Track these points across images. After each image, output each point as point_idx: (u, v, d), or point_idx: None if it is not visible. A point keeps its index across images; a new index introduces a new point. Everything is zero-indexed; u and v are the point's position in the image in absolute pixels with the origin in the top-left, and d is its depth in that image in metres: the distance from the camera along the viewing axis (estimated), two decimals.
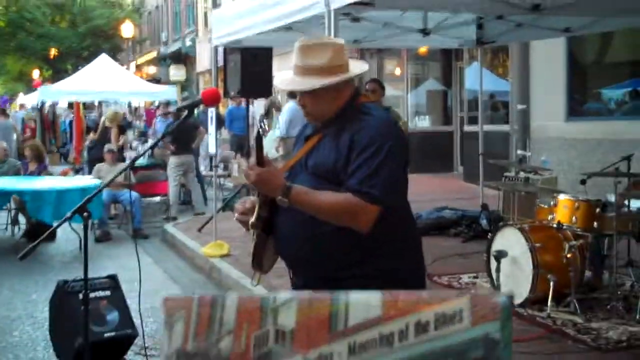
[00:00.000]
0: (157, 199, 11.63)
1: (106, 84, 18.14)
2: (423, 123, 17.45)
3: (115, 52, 34.60)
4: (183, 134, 11.01)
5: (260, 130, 2.92)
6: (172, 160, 11.61)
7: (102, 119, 14.82)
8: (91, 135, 15.56)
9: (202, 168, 14.15)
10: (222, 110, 16.74)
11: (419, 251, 2.97)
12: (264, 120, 3.00)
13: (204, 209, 11.61)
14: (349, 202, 2.68)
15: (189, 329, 0.35)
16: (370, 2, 5.52)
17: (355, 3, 5.48)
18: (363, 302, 0.35)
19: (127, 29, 30.35)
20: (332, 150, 2.77)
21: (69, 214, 3.29)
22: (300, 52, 2.86)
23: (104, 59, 20.37)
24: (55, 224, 8.07)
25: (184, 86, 33.37)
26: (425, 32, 8.00)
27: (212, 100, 3.46)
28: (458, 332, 0.34)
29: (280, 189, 2.70)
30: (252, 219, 2.83)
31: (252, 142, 2.94)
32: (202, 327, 0.36)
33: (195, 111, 13.09)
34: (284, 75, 3.03)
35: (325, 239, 2.75)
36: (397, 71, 18.13)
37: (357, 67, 2.95)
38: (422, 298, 0.35)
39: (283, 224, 2.84)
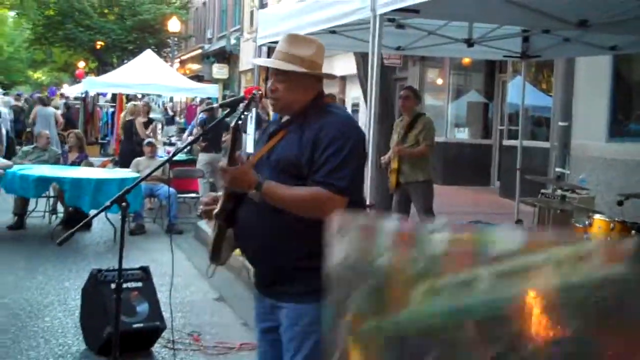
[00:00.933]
0: (193, 195, 11.72)
1: (149, 78, 18.36)
2: (462, 135, 17.33)
3: (160, 47, 35.03)
4: (213, 132, 11.05)
5: (239, 123, 3.00)
6: (201, 158, 11.73)
7: (123, 113, 14.92)
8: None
9: None
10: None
11: None
12: (244, 114, 3.07)
13: None
14: (317, 194, 2.79)
15: (352, 244, 0.38)
16: (415, 9, 5.51)
17: (400, 9, 5.48)
18: (507, 236, 0.38)
19: (174, 25, 30.67)
20: (295, 146, 2.88)
21: (108, 203, 3.34)
22: (286, 41, 3.02)
23: (148, 54, 20.63)
24: (92, 213, 8.19)
25: (226, 84, 33.62)
26: (469, 42, 7.96)
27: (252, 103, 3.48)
28: (590, 270, 0.37)
29: (253, 184, 2.82)
30: (217, 210, 2.92)
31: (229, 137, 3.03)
32: (365, 244, 0.39)
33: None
34: (264, 59, 3.23)
35: (287, 231, 2.85)
36: (439, 81, 18.04)
37: (329, 73, 3.12)
38: (560, 237, 0.37)
39: (246, 216, 2.94)
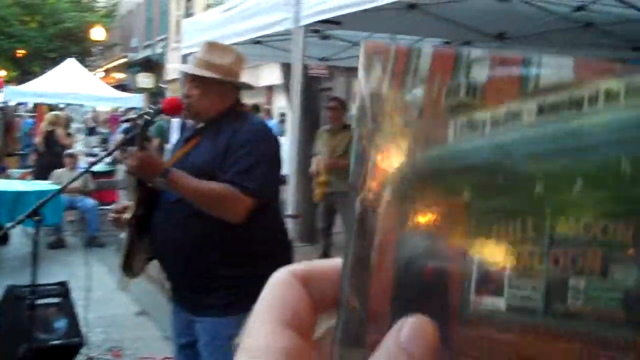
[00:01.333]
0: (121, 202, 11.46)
1: (72, 87, 17.96)
2: None
3: (84, 55, 34.31)
4: (131, 143, 10.86)
5: (147, 117, 2.96)
6: (123, 167, 11.53)
7: (43, 123, 14.50)
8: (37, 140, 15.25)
9: None
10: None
11: (290, 253, 3.07)
12: (152, 109, 3.04)
13: None
14: (225, 190, 2.77)
15: (386, 73, 0.34)
16: (337, 21, 5.55)
17: (323, 21, 5.50)
18: (555, 65, 0.35)
19: (98, 33, 30.10)
20: (208, 152, 2.87)
21: (21, 217, 3.24)
22: (205, 48, 3.02)
23: (71, 62, 20.18)
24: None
25: (151, 94, 33.17)
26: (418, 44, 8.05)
27: (173, 109, 3.42)
28: None
29: (159, 169, 2.76)
30: (127, 216, 2.86)
31: (137, 128, 2.96)
32: (398, 73, 0.35)
33: (161, 121, 13.02)
34: (180, 65, 3.19)
35: (205, 238, 2.81)
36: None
37: (247, 82, 3.11)
38: (615, 67, 0.35)
39: (161, 222, 2.87)
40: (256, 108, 13.32)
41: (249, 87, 3.14)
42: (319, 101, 10.64)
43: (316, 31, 6.97)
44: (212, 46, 3.04)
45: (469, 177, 0.40)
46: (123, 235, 2.87)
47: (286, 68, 9.39)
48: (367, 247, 0.41)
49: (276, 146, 3.00)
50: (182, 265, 2.87)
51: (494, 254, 0.40)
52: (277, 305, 0.42)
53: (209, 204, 2.77)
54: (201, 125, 2.99)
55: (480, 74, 0.41)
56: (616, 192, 0.38)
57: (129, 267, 2.96)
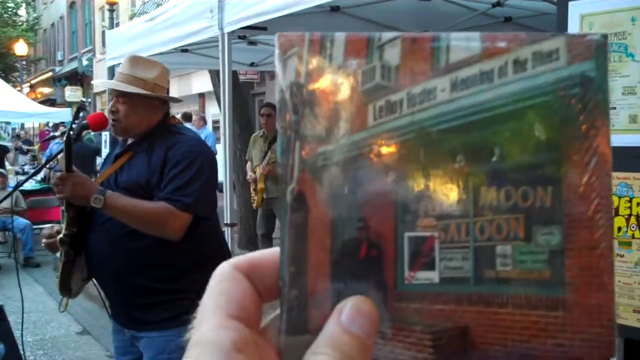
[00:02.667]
0: (51, 225, 11.19)
1: None
2: None
3: (7, 71, 33.42)
4: (79, 158, 10.67)
5: (71, 134, 2.93)
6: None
7: None
8: None
9: None
10: None
11: None
12: (74, 126, 3.00)
13: None
14: (162, 208, 2.75)
15: (302, 63, 0.35)
16: (263, 27, 5.57)
17: (248, 27, 5.51)
18: (463, 40, 0.36)
19: (21, 48, 29.35)
20: (144, 167, 2.83)
21: None
22: (129, 62, 2.96)
23: None
24: None
25: (77, 108, 32.48)
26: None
27: (98, 125, 3.39)
28: (555, 70, 0.36)
29: (93, 191, 2.73)
30: (61, 235, 2.82)
31: (62, 148, 2.90)
32: (313, 61, 0.36)
33: (90, 134, 12.76)
34: (104, 81, 3.14)
35: (142, 253, 2.79)
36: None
37: (174, 97, 3.09)
38: (520, 37, 0.36)
39: (96, 239, 2.84)
40: (188, 116, 13.20)
41: (176, 100, 3.13)
42: (251, 106, 10.61)
43: (242, 37, 6.97)
44: (136, 60, 3.01)
45: (392, 158, 0.43)
46: (59, 254, 2.82)
47: (216, 75, 9.35)
48: (301, 234, 0.43)
49: (211, 159, 2.99)
50: (119, 283, 2.84)
51: (422, 229, 0.42)
52: (222, 298, 0.43)
53: (146, 223, 2.74)
54: (132, 141, 2.96)
55: (393, 56, 0.43)
56: (533, 158, 0.42)
57: (67, 288, 2.90)
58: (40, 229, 11.05)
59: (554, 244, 0.41)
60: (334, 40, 0.44)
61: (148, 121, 2.91)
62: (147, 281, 2.80)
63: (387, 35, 0.44)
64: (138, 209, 2.74)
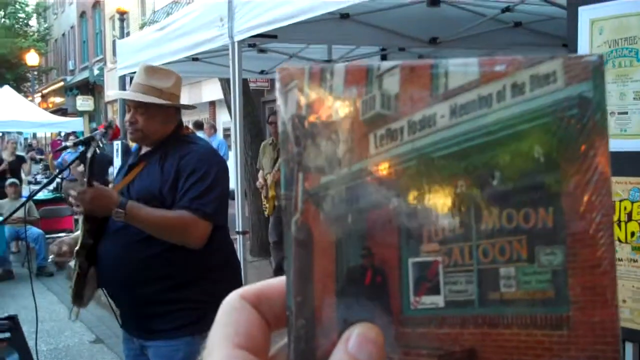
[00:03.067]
0: (63, 234, 11.26)
1: (8, 114, 17.60)
2: None
3: (19, 82, 33.66)
4: (96, 168, 10.70)
5: (97, 149, 2.95)
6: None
7: None
8: None
9: None
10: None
11: (239, 272, 3.11)
12: (102, 138, 3.03)
13: None
14: (182, 217, 2.78)
15: (303, 95, 0.36)
16: (273, 35, 5.59)
17: (258, 35, 5.53)
18: (461, 66, 0.37)
19: (32, 58, 29.56)
20: (157, 176, 2.86)
21: None
22: (145, 72, 2.99)
23: (6, 90, 19.79)
24: None
25: (92, 116, 32.68)
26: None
27: (112, 135, 3.41)
28: (552, 92, 0.37)
29: (115, 203, 2.74)
30: (77, 247, 2.84)
31: (87, 162, 2.92)
32: (314, 93, 0.37)
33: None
34: (120, 92, 3.20)
35: (152, 262, 2.81)
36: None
37: (190, 105, 3.12)
38: (518, 60, 0.37)
39: (109, 249, 2.86)
40: (199, 125, 13.25)
41: (190, 108, 3.15)
42: (262, 114, 10.64)
43: (253, 45, 6.99)
44: (151, 70, 3.03)
45: (394, 185, 0.44)
46: (72, 264, 2.85)
47: (226, 83, 9.39)
48: (306, 265, 0.43)
49: (224, 168, 3.02)
50: (129, 292, 2.86)
51: (426, 254, 0.43)
52: (230, 329, 0.44)
53: (168, 231, 2.77)
54: (146, 150, 2.99)
55: (392, 84, 0.44)
56: (533, 179, 0.42)
57: (80, 298, 2.93)
58: (53, 238, 11.13)
59: (557, 264, 0.42)
60: (333, 71, 0.45)
61: (163, 130, 2.94)
62: (156, 290, 2.82)
63: (386, 64, 0.45)
64: (160, 218, 2.76)
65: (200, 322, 2.81)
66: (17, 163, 13.16)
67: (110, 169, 11.26)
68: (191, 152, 2.88)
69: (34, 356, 4.58)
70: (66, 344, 6.63)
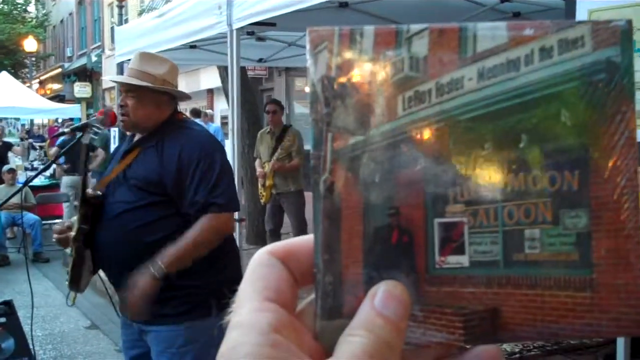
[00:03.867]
0: (59, 220, 11.25)
1: (6, 100, 17.56)
2: None
3: (17, 68, 33.55)
4: (76, 154, 10.68)
5: (93, 136, 2.98)
6: (65, 181, 11.36)
7: None
8: None
9: None
10: None
11: (239, 259, 3.14)
12: (99, 125, 3.04)
13: None
14: (212, 222, 2.79)
15: (332, 56, 0.37)
16: (272, 23, 5.57)
17: (256, 23, 5.52)
18: (490, 29, 0.37)
19: (30, 45, 29.46)
20: (155, 164, 2.83)
21: None
22: (139, 58, 2.99)
23: (4, 75, 19.73)
24: None
25: (89, 103, 32.60)
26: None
27: (107, 121, 3.40)
28: (580, 56, 0.37)
29: (155, 280, 2.73)
30: (74, 232, 2.83)
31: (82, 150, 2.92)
32: (344, 54, 0.38)
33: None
34: (113, 76, 3.20)
35: (152, 248, 2.78)
36: (307, 89, 18.29)
37: (183, 92, 3.11)
38: (545, 25, 0.37)
39: (109, 235, 2.86)
40: (196, 112, 13.23)
41: (185, 96, 3.13)
42: (260, 102, 10.62)
43: (251, 33, 6.97)
44: (145, 56, 3.02)
45: (421, 146, 0.44)
46: (69, 250, 2.85)
47: (224, 71, 9.37)
48: (334, 223, 0.44)
49: (223, 151, 3.03)
50: (130, 277, 2.85)
51: (452, 215, 0.44)
52: (259, 283, 0.45)
53: (206, 246, 2.80)
54: (140, 136, 2.97)
55: (421, 47, 0.44)
56: (560, 143, 0.43)
57: (77, 283, 2.93)
58: (50, 224, 11.13)
59: (581, 227, 0.42)
60: (363, 33, 0.45)
61: (156, 117, 2.92)
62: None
63: (415, 27, 0.45)
64: (192, 243, 2.76)
65: (200, 308, 2.82)
66: (4, 149, 13.14)
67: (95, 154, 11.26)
68: (190, 141, 2.85)
69: (30, 341, 4.58)
70: (61, 329, 6.64)
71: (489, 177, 0.43)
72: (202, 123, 11.78)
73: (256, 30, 6.61)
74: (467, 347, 0.44)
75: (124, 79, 2.98)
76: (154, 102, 2.91)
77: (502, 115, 0.43)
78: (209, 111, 16.14)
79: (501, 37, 0.44)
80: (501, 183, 0.43)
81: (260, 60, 8.75)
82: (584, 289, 0.42)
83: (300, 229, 7.71)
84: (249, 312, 0.43)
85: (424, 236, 0.44)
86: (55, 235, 2.95)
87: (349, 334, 0.42)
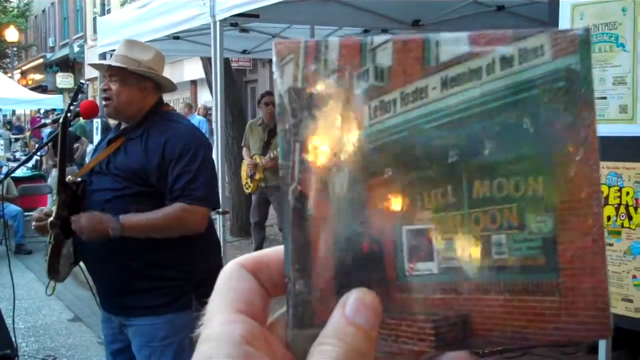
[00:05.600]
0: (40, 208, 11.16)
1: None
2: None
3: None
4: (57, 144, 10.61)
5: (68, 117, 2.96)
6: (54, 173, 11.30)
7: None
8: None
9: None
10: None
11: (219, 251, 3.14)
12: (72, 106, 3.02)
13: None
14: (176, 210, 2.77)
15: (298, 69, 0.37)
16: (255, 14, 5.56)
17: (240, 15, 5.50)
18: (452, 40, 0.38)
19: (11, 34, 29.17)
20: (139, 155, 2.82)
21: None
22: (125, 45, 2.99)
23: None
24: None
25: (72, 94, 32.37)
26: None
27: (89, 113, 3.39)
28: (540, 65, 0.38)
29: (110, 223, 2.72)
30: (51, 218, 2.81)
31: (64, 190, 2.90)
32: (310, 66, 0.38)
33: (82, 121, 12.78)
34: (97, 61, 3.18)
35: (131, 241, 2.76)
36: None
37: (168, 79, 3.07)
38: (507, 34, 0.38)
39: None
40: (190, 107, 13.21)
41: (170, 84, 3.09)
42: (244, 94, 10.58)
43: (235, 24, 6.95)
44: (131, 43, 3.01)
45: (388, 155, 0.44)
46: (48, 238, 2.82)
47: (208, 62, 9.34)
48: (304, 233, 0.44)
49: (209, 147, 3.01)
50: (110, 266, 2.82)
51: (420, 222, 0.44)
52: (230, 294, 0.44)
53: (167, 230, 2.77)
54: (125, 126, 2.95)
55: (385, 57, 0.45)
56: (523, 149, 0.43)
57: (55, 271, 2.90)
58: (32, 216, 11.05)
59: (547, 231, 0.43)
60: (328, 45, 0.45)
61: (140, 103, 2.89)
62: (138, 265, 2.80)
63: (379, 39, 0.46)
64: (154, 220, 2.76)
65: (181, 300, 2.81)
66: None
67: (76, 145, 11.22)
68: (175, 134, 2.84)
69: (12, 334, 4.56)
70: (44, 322, 6.61)
71: (454, 184, 0.44)
72: (187, 115, 11.74)
73: (240, 21, 6.59)
74: (438, 353, 0.44)
75: (108, 61, 2.97)
76: (138, 88, 2.89)
77: (466, 123, 0.44)
78: (189, 102, 16.07)
79: (463, 47, 0.45)
80: (467, 190, 0.44)
81: (244, 52, 8.72)
82: (551, 294, 0.43)
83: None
84: (219, 325, 0.42)
85: (394, 244, 0.44)
86: (34, 223, 2.91)
87: (321, 342, 0.42)
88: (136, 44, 3.03)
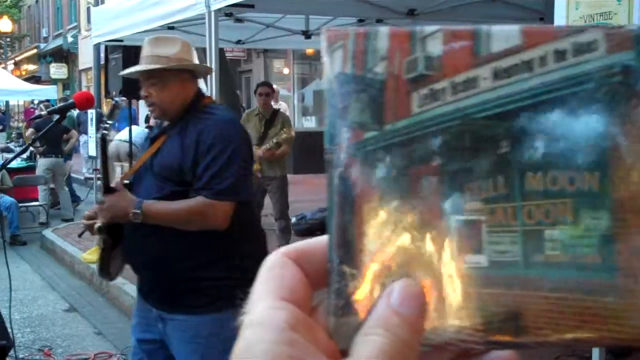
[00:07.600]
0: (36, 203, 11.18)
1: None
2: (310, 123, 17.60)
3: None
4: (52, 136, 10.58)
5: (105, 134, 2.92)
6: (41, 163, 11.28)
7: None
8: None
9: (84, 170, 13.75)
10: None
11: (266, 246, 3.07)
12: (107, 124, 2.99)
13: (72, 215, 11.18)
14: (199, 203, 2.73)
15: (348, 55, 0.37)
16: (250, 4, 5.55)
17: (235, 4, 5.49)
18: (504, 32, 0.38)
19: (4, 25, 29.04)
20: (177, 150, 2.79)
21: None
22: (149, 43, 2.91)
23: None
24: None
25: (66, 84, 32.26)
26: (307, 34, 8.08)
27: (84, 104, 3.38)
28: (595, 59, 0.38)
29: (132, 205, 2.72)
30: (99, 223, 2.81)
31: (98, 164, 2.89)
32: (359, 54, 0.38)
33: (75, 112, 12.76)
34: (130, 68, 3.10)
35: (179, 240, 2.76)
36: (285, 71, 18.25)
37: (201, 64, 3.01)
38: (559, 30, 0.38)
39: (132, 227, 2.82)
40: (209, 98, 13.14)
41: (203, 69, 3.02)
42: (238, 83, 10.56)
43: (229, 14, 6.93)
44: (155, 40, 2.94)
45: (437, 144, 0.43)
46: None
47: (202, 52, 9.30)
48: (349, 220, 0.43)
49: (244, 139, 2.95)
50: (156, 270, 2.82)
51: (470, 213, 0.43)
52: (273, 283, 0.44)
53: (188, 222, 2.74)
54: (166, 123, 2.92)
55: (436, 47, 0.45)
56: (577, 143, 0.42)
57: (107, 272, 2.93)
58: (26, 207, 11.05)
59: (603, 229, 0.42)
60: (377, 34, 0.45)
61: (182, 97, 2.85)
62: (183, 268, 2.75)
63: (430, 28, 0.45)
64: (176, 211, 2.73)
65: (228, 298, 2.76)
66: None
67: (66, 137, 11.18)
68: (210, 126, 2.79)
69: (8, 324, 4.56)
70: (40, 312, 6.61)
71: (506, 175, 0.43)
72: None
73: (234, 11, 6.57)
74: (485, 349, 0.43)
75: (138, 67, 2.91)
76: (176, 83, 2.85)
77: (518, 115, 0.43)
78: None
79: (514, 40, 0.44)
80: (519, 182, 0.43)
81: (238, 42, 8.71)
82: (607, 294, 0.41)
83: (283, 212, 7.71)
84: (263, 310, 0.42)
85: (442, 235, 0.43)
86: (83, 221, 2.93)
87: (366, 332, 0.41)
88: (160, 39, 2.97)
